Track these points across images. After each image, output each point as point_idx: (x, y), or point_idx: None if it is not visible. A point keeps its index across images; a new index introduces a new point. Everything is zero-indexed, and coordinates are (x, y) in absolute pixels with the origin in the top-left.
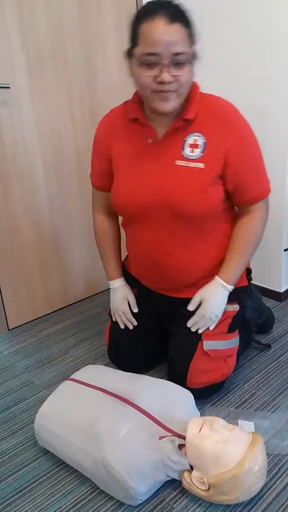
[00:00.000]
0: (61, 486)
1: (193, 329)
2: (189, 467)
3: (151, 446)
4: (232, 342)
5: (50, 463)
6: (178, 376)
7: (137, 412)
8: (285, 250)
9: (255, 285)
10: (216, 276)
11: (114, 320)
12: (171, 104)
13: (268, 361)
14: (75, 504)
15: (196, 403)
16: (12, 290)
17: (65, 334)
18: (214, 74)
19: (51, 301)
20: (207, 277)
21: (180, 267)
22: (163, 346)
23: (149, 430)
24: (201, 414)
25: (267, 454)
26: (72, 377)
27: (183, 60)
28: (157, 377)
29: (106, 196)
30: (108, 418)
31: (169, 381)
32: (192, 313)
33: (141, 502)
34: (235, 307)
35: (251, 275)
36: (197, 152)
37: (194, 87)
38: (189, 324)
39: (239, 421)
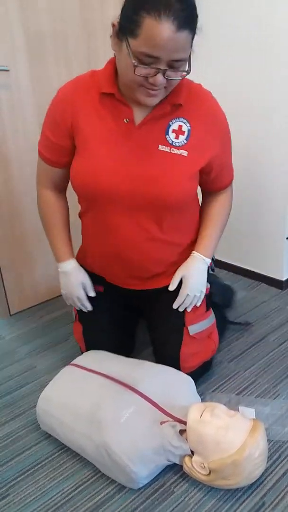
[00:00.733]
0: (63, 469)
1: (180, 310)
2: (190, 452)
3: (153, 431)
4: (211, 318)
5: (52, 446)
6: (170, 365)
7: (138, 397)
8: (287, 238)
9: (256, 273)
10: (194, 252)
11: (78, 319)
12: (157, 99)
13: (269, 349)
14: (77, 487)
15: (197, 389)
16: (14, 275)
17: (66, 319)
18: (214, 71)
19: (53, 287)
20: (179, 263)
21: (153, 257)
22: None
23: (150, 416)
24: (202, 400)
25: (267, 440)
26: (74, 362)
27: (180, 64)
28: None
29: (57, 172)
30: (110, 403)
31: (170, 368)
32: (170, 294)
33: (142, 485)
34: (207, 284)
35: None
36: (182, 138)
37: None
38: (175, 305)
39: (240, 407)
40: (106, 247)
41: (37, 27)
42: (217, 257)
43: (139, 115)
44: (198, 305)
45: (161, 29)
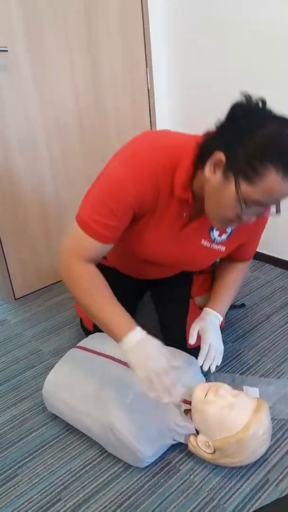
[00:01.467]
0: (70, 449)
1: (205, 369)
2: (195, 431)
3: (158, 411)
4: None
5: (59, 427)
6: (177, 338)
7: None
8: None
9: (260, 253)
10: (209, 309)
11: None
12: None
13: (273, 328)
14: (84, 466)
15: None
16: (18, 259)
17: (71, 303)
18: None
19: (57, 271)
20: None
21: (170, 272)
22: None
23: None
24: (206, 380)
25: (271, 419)
26: (79, 344)
27: None
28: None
29: (109, 247)
30: (116, 384)
31: (174, 348)
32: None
33: (148, 464)
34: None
35: None
36: (224, 236)
37: None
38: (199, 362)
39: (244, 387)
40: (131, 269)
41: (35, 2)
42: None
43: (196, 211)
44: (219, 363)
45: (284, 187)
